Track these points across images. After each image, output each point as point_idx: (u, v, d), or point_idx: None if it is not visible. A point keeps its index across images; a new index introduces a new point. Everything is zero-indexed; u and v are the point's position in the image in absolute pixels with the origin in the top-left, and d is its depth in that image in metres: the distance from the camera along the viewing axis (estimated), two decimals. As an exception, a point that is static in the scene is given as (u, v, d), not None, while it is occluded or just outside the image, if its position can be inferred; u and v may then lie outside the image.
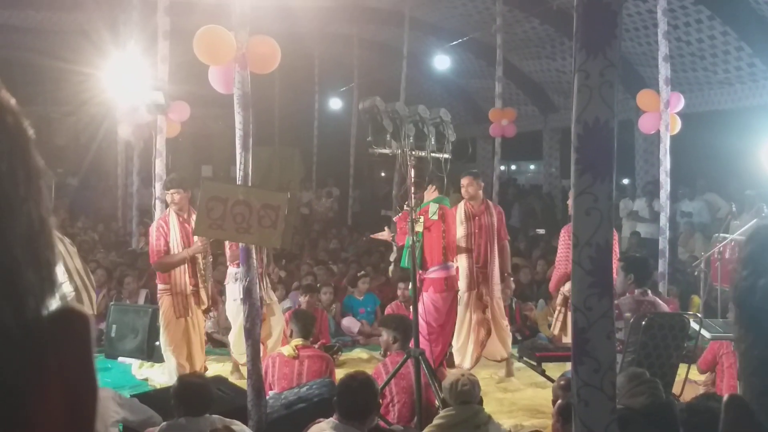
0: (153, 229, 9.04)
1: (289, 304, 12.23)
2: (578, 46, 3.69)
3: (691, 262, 13.58)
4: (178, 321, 9.01)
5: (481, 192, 10.21)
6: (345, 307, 13.04)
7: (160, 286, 9.13)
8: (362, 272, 13.76)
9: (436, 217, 9.26)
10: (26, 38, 22.34)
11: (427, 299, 9.36)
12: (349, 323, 12.56)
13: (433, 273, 9.37)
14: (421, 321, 8.65)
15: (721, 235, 11.26)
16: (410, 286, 8.37)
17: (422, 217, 9.05)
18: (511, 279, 10.46)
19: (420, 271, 9.08)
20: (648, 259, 8.85)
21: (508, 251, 10.39)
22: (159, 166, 10.86)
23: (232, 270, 9.65)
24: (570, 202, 4.41)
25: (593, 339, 3.70)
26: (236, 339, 9.75)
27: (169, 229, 8.92)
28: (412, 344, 7.92)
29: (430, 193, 9.48)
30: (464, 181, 10.13)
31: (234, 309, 9.65)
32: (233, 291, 9.55)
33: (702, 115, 16.98)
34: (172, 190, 9.08)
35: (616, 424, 3.77)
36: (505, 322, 10.36)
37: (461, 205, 10.17)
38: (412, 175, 8.04)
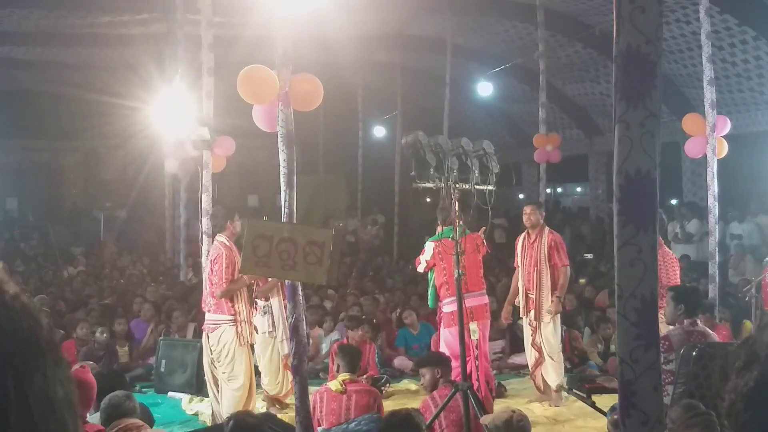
0: (221, 258, 8.99)
1: (337, 336, 12.24)
2: (618, 96, 3.68)
3: (742, 285, 13.41)
4: (243, 349, 9.08)
5: (542, 220, 10.46)
6: (399, 342, 12.99)
7: (219, 318, 9.10)
8: (405, 309, 13.67)
9: (429, 257, 9.56)
10: (75, 74, 22.74)
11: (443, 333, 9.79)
12: (401, 363, 12.46)
13: (444, 307, 9.63)
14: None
15: (773, 258, 11.11)
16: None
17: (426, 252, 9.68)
18: (561, 302, 10.45)
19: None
20: (698, 289, 8.76)
21: (566, 275, 10.38)
22: (205, 201, 10.94)
23: (260, 303, 9.85)
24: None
25: (640, 391, 3.66)
26: (267, 371, 9.92)
27: (234, 258, 8.97)
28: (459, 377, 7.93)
29: (439, 228, 9.80)
30: (527, 210, 10.49)
31: (263, 342, 9.94)
32: (262, 324, 9.88)
33: (749, 136, 16.81)
34: (237, 220, 9.19)
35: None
36: (556, 351, 10.36)
37: (522, 235, 10.56)
38: (457, 208, 8.06)
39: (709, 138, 11.07)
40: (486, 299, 9.80)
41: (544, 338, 10.26)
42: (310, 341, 11.53)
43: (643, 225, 3.66)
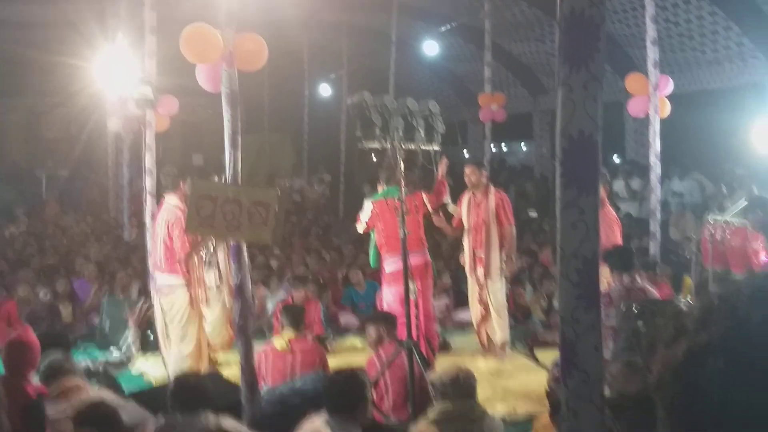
0: (180, 222, 8.60)
1: (283, 295, 12.25)
2: (561, 60, 3.69)
3: (683, 242, 13.62)
4: (195, 312, 9.06)
5: (484, 179, 10.51)
6: (345, 301, 13.04)
7: (172, 279, 9.05)
8: (351, 268, 13.71)
9: (366, 218, 9.65)
10: (15, 31, 22.23)
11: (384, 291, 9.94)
12: (347, 320, 12.49)
13: (385, 267, 9.77)
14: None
15: (713, 216, 11.27)
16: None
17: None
18: (513, 261, 10.56)
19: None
20: (625, 247, 8.91)
21: (512, 235, 10.51)
22: (149, 161, 10.84)
23: (203, 255, 9.83)
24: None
25: (582, 351, 3.71)
26: (213, 324, 9.90)
27: None
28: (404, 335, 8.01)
29: (380, 187, 9.84)
30: (467, 170, 10.55)
31: (212, 297, 9.94)
32: (209, 278, 9.84)
33: (691, 95, 17.00)
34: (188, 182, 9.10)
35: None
36: (503, 307, 10.49)
37: (465, 195, 10.60)
38: (402, 168, 8.08)
39: (651, 97, 11.18)
40: (426, 258, 9.85)
41: (492, 295, 10.37)
42: (256, 301, 11.54)
43: (585, 187, 3.69)
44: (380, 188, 9.91)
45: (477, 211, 10.34)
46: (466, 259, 10.59)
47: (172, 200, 9.16)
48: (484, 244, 10.26)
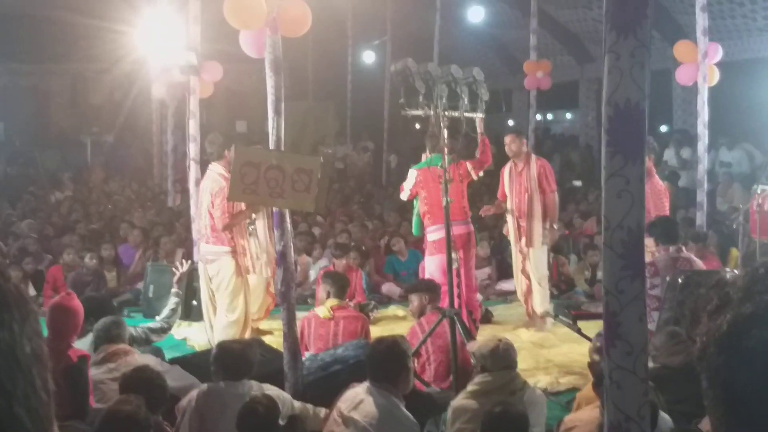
0: (223, 191, 8.55)
1: (325, 263, 12.29)
2: (608, 27, 3.65)
3: (730, 213, 13.46)
4: (242, 281, 9.10)
5: (524, 148, 10.47)
6: (387, 269, 13.03)
7: (218, 248, 9.07)
8: (393, 236, 13.71)
9: (411, 186, 9.56)
10: (59, -3, 22.39)
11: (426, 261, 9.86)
12: (389, 289, 12.47)
13: (428, 236, 9.64)
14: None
15: (761, 186, 11.12)
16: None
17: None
18: (555, 229, 10.51)
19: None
20: (670, 218, 8.82)
21: (554, 202, 10.42)
22: (193, 127, 10.90)
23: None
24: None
25: (625, 322, 3.69)
26: (252, 294, 9.91)
27: None
28: (446, 304, 8.02)
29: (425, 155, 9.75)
30: (507, 140, 10.49)
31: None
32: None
33: (741, 64, 16.75)
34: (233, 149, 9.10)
35: (647, 407, 3.78)
36: (544, 277, 10.45)
37: (508, 164, 10.55)
38: (446, 136, 8.05)
39: (700, 65, 11.01)
40: (470, 228, 9.79)
41: (533, 265, 10.34)
42: (298, 268, 11.58)
43: (631, 156, 3.65)
44: (425, 156, 9.86)
45: (519, 180, 10.27)
46: (510, 229, 10.52)
47: (216, 168, 9.13)
48: (527, 213, 10.20)
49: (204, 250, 9.22)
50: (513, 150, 10.33)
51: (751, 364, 1.23)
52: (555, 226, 10.46)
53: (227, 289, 9.03)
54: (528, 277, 10.40)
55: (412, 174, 9.64)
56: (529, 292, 10.49)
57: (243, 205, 8.73)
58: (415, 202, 9.91)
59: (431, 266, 9.53)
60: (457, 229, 9.23)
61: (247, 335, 9.14)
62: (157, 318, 8.11)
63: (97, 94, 26.57)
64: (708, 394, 1.32)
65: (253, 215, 9.36)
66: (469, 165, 9.61)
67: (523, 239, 10.28)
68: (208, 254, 9.13)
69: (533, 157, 10.45)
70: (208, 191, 9.04)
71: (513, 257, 10.76)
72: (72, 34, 23.53)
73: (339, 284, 8.54)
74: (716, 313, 1.33)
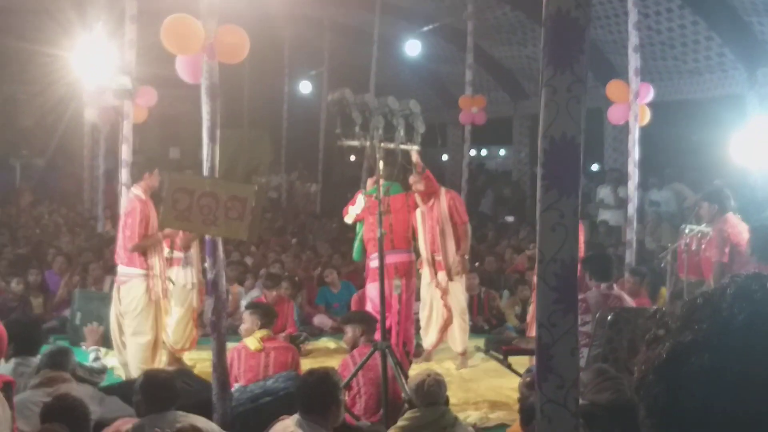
0: (135, 211, 8.81)
1: (257, 293, 12.19)
2: (546, 61, 3.68)
3: (659, 252, 13.64)
4: (152, 305, 8.96)
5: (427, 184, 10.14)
6: (319, 300, 12.98)
7: (131, 271, 8.97)
8: (326, 267, 13.65)
9: (359, 211, 9.51)
10: (-8, 19, 22.04)
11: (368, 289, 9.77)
12: (321, 321, 12.42)
13: (371, 262, 9.54)
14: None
15: (689, 226, 11.28)
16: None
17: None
18: (466, 260, 10.39)
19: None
20: (606, 255, 8.92)
21: (467, 233, 10.25)
22: (125, 152, 10.78)
23: (181, 255, 9.76)
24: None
25: (557, 355, 3.69)
26: (176, 324, 9.81)
27: (149, 212, 8.85)
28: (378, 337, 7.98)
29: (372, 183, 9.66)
30: (411, 180, 10.10)
31: (180, 295, 9.82)
32: (185, 276, 9.83)
33: (671, 105, 17.06)
34: (155, 174, 9.06)
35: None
36: (462, 312, 10.36)
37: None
38: (381, 167, 8.05)
39: (632, 105, 11.20)
40: (411, 257, 9.77)
41: (455, 298, 10.24)
42: (229, 297, 11.47)
43: (566, 190, 3.67)
44: (370, 184, 9.77)
45: (430, 214, 10.08)
46: (425, 265, 10.29)
47: (135, 190, 9.14)
48: (441, 246, 10.08)
49: (119, 272, 9.13)
50: (419, 189, 9.99)
51: (690, 390, 1.25)
52: (465, 257, 10.33)
53: (135, 311, 8.91)
54: (449, 310, 10.27)
55: (362, 199, 9.59)
56: (447, 325, 10.35)
57: (156, 229, 8.76)
58: (358, 227, 9.87)
59: (372, 292, 9.47)
60: (399, 257, 9.25)
61: (159, 359, 9.05)
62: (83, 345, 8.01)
63: (28, 116, 26.16)
64: (645, 423, 1.32)
65: (186, 238, 9.31)
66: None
67: (441, 273, 10.15)
68: (121, 275, 9.05)
69: (443, 190, 10.28)
70: (123, 211, 9.04)
71: (423, 290, 10.59)
72: (3, 57, 23.19)
73: (265, 314, 8.49)
74: (655, 342, 1.34)
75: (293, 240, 17.21)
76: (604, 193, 17.57)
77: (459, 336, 10.32)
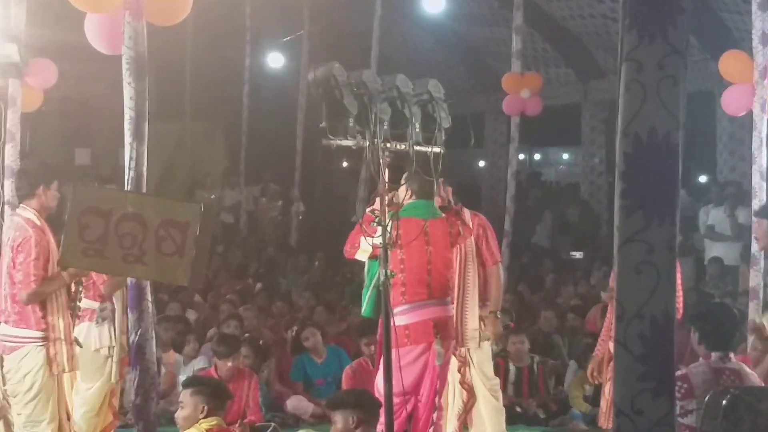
0: (29, 244, 8.50)
1: (203, 364, 12.19)
2: (627, 23, 3.64)
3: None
4: (53, 382, 8.92)
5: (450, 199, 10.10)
6: (296, 375, 12.85)
7: (22, 334, 8.90)
8: (306, 326, 13.56)
9: (376, 242, 9.18)
10: None
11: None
12: (297, 404, 12.31)
13: (396, 318, 9.04)
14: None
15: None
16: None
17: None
18: (499, 320, 10.24)
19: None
20: (723, 308, 8.88)
21: (499, 279, 10.11)
22: (10, 155, 10.79)
23: (93, 304, 9.60)
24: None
25: (645, 459, 3.68)
26: (86, 403, 9.73)
27: (48, 243, 8.77)
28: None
29: (406, 198, 9.27)
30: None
31: (92, 362, 9.65)
32: (100, 337, 9.50)
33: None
34: (53, 188, 9.01)
35: None
36: (492, 387, 10.25)
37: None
38: (386, 177, 8.00)
39: (757, 87, 11.16)
40: (451, 311, 9.41)
41: (478, 368, 10.02)
42: (162, 370, 11.47)
43: (657, 213, 3.62)
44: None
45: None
46: None
47: (24, 212, 9.04)
48: (458, 296, 9.70)
49: (3, 334, 9.02)
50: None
51: None
52: (496, 314, 10.12)
53: (30, 391, 8.82)
54: (470, 390, 10.03)
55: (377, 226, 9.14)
56: (469, 410, 10.13)
57: (58, 267, 8.64)
58: (373, 267, 9.27)
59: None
60: (439, 311, 8.86)
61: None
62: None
63: None
64: None
65: (111, 284, 9.30)
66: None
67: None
68: (6, 339, 8.93)
69: (467, 213, 10.07)
70: (9, 245, 8.90)
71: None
72: None
73: (217, 397, 8.46)
74: None
75: (257, 285, 17.22)
76: (715, 217, 17.53)
77: (490, 419, 10.16)
